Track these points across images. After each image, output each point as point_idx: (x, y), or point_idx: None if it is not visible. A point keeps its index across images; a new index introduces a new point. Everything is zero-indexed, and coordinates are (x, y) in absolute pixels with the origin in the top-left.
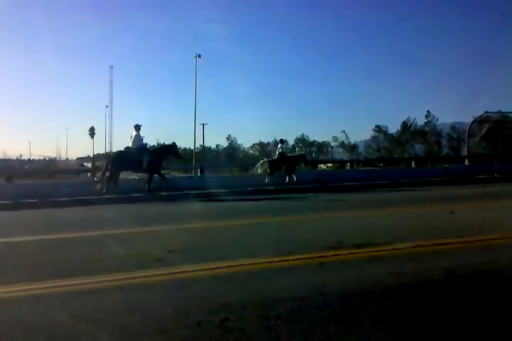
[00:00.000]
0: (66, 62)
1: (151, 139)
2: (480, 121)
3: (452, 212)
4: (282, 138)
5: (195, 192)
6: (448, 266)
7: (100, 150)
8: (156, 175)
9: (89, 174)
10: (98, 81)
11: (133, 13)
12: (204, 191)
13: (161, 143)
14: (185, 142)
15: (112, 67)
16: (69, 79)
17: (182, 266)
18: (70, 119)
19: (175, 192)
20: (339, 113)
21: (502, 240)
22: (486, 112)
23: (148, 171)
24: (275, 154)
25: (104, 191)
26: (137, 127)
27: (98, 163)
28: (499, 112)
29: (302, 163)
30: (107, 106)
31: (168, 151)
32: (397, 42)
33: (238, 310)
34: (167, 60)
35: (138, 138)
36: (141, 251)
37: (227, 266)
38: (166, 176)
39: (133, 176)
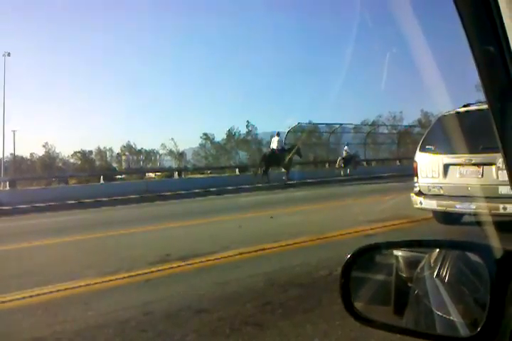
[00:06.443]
0: None
1: None
2: (294, 131)
3: (271, 217)
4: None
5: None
6: (268, 271)
7: None
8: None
9: None
10: None
11: None
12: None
13: None
14: None
15: None
16: None
17: None
18: None
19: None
20: (168, 121)
21: (312, 242)
22: (299, 123)
23: (286, 166)
24: (342, 153)
25: (259, 182)
26: (278, 134)
27: None
28: (310, 123)
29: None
30: None
31: (295, 151)
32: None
33: None
34: None
35: (280, 142)
36: None
37: (39, 294)
38: None
39: None
